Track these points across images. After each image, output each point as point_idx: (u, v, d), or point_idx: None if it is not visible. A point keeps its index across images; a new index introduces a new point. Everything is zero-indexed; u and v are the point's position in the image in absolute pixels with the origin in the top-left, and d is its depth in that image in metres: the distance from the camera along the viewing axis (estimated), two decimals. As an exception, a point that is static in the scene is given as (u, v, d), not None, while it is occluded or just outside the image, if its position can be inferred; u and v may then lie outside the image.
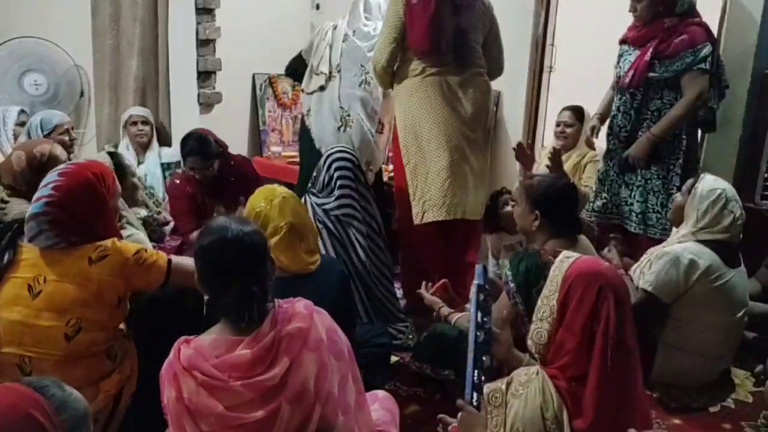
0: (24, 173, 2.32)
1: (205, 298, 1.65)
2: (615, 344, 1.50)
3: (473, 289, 1.75)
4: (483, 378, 1.63)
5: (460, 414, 1.59)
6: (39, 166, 2.29)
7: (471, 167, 2.84)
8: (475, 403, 1.59)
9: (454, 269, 2.84)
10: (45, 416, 1.00)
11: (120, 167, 2.46)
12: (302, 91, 3.36)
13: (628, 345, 1.54)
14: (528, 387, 1.57)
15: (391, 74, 2.86)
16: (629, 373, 1.55)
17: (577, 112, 3.36)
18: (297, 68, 3.40)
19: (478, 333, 1.65)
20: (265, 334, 1.35)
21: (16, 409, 0.98)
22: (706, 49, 2.70)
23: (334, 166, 2.71)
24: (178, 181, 3.17)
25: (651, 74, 2.77)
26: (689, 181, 2.52)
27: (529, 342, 1.63)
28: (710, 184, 2.43)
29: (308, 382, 1.34)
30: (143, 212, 2.99)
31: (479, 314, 1.68)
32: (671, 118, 2.74)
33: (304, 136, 3.31)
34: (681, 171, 2.79)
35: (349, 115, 3.11)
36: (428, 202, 2.81)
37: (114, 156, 2.59)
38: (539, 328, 1.59)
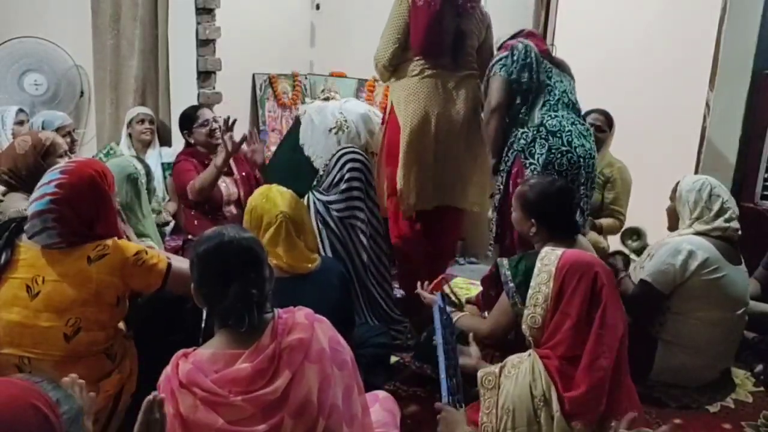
0: (27, 156, 2.29)
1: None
2: (608, 326, 1.62)
3: (435, 311, 1.85)
4: (457, 383, 1.72)
5: (441, 414, 1.63)
6: (43, 149, 2.30)
7: (459, 164, 2.95)
8: (451, 405, 1.65)
9: (435, 256, 3.04)
10: (48, 407, 0.99)
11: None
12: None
13: (619, 328, 1.65)
14: (519, 368, 1.68)
15: (391, 72, 2.99)
16: (618, 356, 1.64)
17: (608, 119, 3.32)
18: None
19: (446, 346, 1.75)
20: (265, 346, 1.33)
21: (19, 400, 0.97)
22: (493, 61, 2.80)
23: (347, 165, 2.72)
24: (183, 155, 3.23)
25: None
26: (674, 186, 2.57)
27: (524, 326, 1.73)
28: (690, 178, 2.52)
29: (311, 395, 1.32)
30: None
31: (444, 330, 1.79)
32: None
33: (291, 131, 3.35)
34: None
35: (345, 120, 3.14)
36: (414, 195, 2.91)
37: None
38: (533, 313, 1.69)
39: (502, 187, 2.72)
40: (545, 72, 2.76)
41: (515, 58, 2.72)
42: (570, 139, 2.63)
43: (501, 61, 2.76)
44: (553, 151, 2.61)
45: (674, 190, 2.57)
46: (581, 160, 2.64)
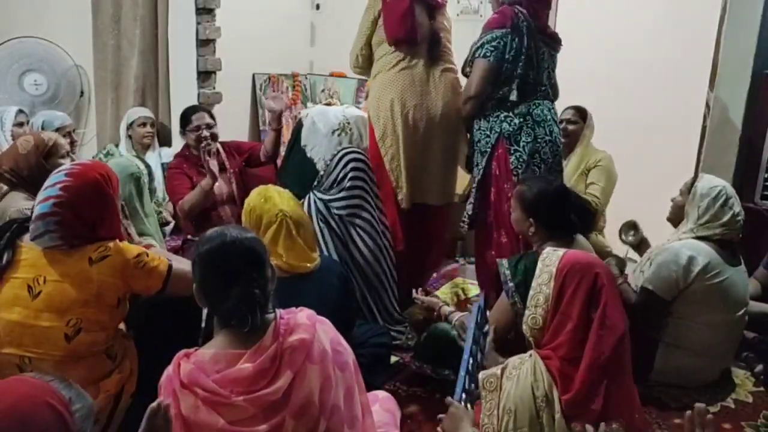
0: (29, 156, 2.27)
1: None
2: (608, 326, 1.62)
3: (475, 310, 1.85)
4: (473, 384, 1.73)
5: (449, 409, 1.64)
6: (45, 149, 2.29)
7: (435, 159, 2.95)
8: (463, 403, 1.67)
9: (422, 254, 3.04)
10: (62, 405, 1.00)
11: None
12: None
13: (620, 328, 1.64)
14: (520, 369, 1.68)
15: (361, 70, 3.08)
16: (619, 357, 1.64)
17: (580, 111, 3.37)
18: None
19: (474, 347, 1.76)
20: (266, 347, 1.33)
21: (34, 398, 0.98)
22: (486, 37, 2.67)
23: (350, 164, 2.73)
24: (176, 160, 3.27)
25: None
26: (687, 181, 2.54)
27: (525, 327, 1.74)
28: (709, 182, 2.46)
29: (312, 396, 1.32)
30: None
31: (477, 332, 1.80)
32: None
33: (294, 132, 3.35)
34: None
35: (348, 123, 3.14)
36: (406, 188, 2.92)
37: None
38: (534, 314, 1.69)
39: (482, 167, 2.74)
40: (540, 62, 2.69)
41: (512, 46, 2.61)
42: (552, 129, 2.70)
43: (494, 42, 2.64)
44: (538, 140, 2.67)
45: (687, 186, 2.51)
46: (559, 148, 2.76)
